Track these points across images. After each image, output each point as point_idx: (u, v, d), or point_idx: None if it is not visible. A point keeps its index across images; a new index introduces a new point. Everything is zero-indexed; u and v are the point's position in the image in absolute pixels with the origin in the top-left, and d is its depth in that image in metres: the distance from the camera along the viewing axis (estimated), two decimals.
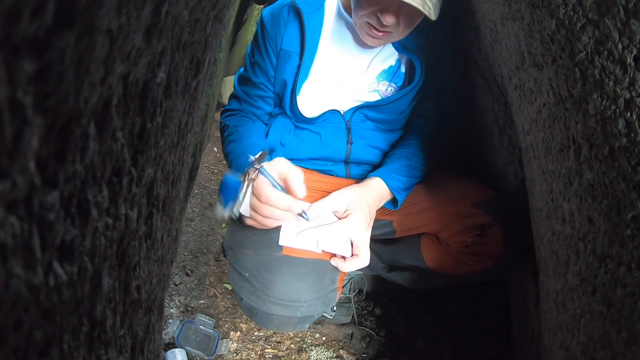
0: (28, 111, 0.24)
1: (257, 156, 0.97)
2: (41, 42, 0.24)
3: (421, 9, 0.92)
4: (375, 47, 1.14)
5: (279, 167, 0.96)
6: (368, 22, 1.02)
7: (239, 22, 2.78)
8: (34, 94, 0.24)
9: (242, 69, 1.28)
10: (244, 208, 0.95)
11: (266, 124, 1.27)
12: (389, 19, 0.98)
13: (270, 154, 1.19)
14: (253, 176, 0.94)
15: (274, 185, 0.94)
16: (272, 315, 1.02)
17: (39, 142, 0.25)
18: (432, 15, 0.94)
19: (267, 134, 1.25)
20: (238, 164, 1.07)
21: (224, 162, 1.21)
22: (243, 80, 1.26)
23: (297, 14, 1.14)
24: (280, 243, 1.02)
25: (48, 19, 0.24)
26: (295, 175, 0.94)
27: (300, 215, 0.98)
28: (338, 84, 1.19)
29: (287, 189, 0.96)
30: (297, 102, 1.18)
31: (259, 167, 0.94)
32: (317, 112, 1.21)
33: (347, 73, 1.18)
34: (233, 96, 1.28)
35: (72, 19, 0.26)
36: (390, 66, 1.20)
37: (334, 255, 1.06)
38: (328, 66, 1.17)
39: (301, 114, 1.19)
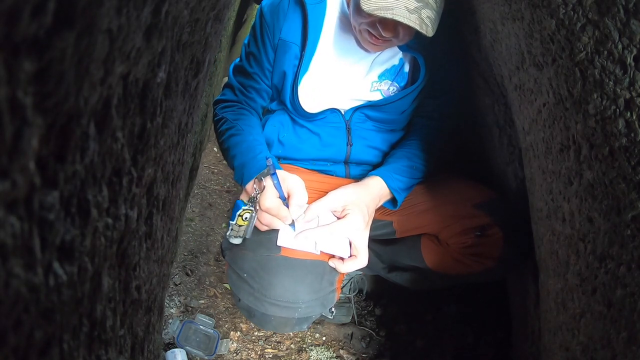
0: (28, 111, 0.24)
1: (265, 170, 1.02)
2: (41, 42, 0.24)
3: (419, 28, 0.93)
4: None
5: (290, 184, 1.02)
6: (368, 30, 1.02)
7: (239, 22, 2.78)
8: (34, 94, 0.24)
9: (237, 59, 1.28)
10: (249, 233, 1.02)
11: (261, 118, 1.27)
12: (387, 33, 0.98)
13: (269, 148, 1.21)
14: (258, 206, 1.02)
15: (280, 196, 1.01)
16: (271, 316, 1.02)
17: (39, 142, 0.25)
18: (430, 32, 0.95)
19: (262, 128, 1.24)
20: (244, 161, 1.07)
21: (224, 162, 1.20)
22: (238, 70, 1.25)
23: (300, 4, 1.13)
24: (278, 244, 1.02)
25: (48, 19, 0.24)
26: (298, 201, 1.01)
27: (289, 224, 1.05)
28: (339, 82, 1.18)
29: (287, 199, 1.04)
30: (298, 93, 1.16)
31: (261, 188, 1.01)
32: (316, 108, 1.20)
33: (348, 71, 1.17)
34: (227, 86, 1.26)
35: (72, 19, 0.26)
36: (394, 65, 1.19)
37: (333, 256, 1.06)
38: (329, 62, 1.16)
39: (302, 107, 1.17)
